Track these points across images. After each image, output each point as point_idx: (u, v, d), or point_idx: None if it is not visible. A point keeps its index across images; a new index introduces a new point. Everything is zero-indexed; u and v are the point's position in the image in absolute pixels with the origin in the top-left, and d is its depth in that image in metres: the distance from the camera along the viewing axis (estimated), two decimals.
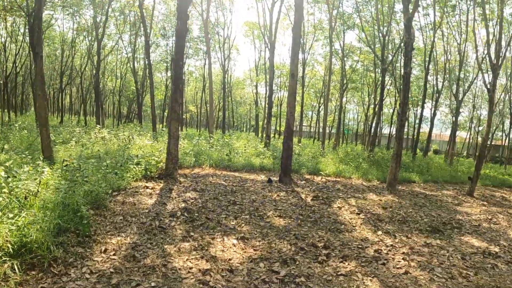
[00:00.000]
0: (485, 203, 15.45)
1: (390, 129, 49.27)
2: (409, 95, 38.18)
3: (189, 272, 5.75)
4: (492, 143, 50.75)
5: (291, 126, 13.12)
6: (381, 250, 7.40)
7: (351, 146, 38.08)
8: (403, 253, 7.41)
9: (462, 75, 32.54)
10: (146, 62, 29.69)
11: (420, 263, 6.98)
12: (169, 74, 44.20)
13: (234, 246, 6.91)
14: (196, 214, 8.49)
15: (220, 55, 38.42)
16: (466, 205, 14.24)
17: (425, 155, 30.74)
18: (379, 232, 8.62)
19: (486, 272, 7.26)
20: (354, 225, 8.98)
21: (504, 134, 51.82)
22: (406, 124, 46.26)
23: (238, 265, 6.12)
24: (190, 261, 6.11)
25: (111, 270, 5.56)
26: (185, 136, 24.55)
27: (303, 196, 11.27)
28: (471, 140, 56.09)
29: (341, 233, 8.26)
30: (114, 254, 6.10)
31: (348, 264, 6.53)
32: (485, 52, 19.20)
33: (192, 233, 7.34)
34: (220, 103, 50.95)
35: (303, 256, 6.66)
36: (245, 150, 18.27)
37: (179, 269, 5.81)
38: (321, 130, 37.56)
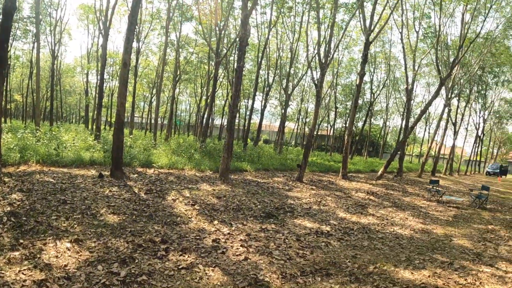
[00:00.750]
0: (313, 187, 16.68)
1: (222, 120, 50.60)
2: (241, 88, 39.55)
3: (23, 286, 5.03)
4: (319, 133, 55.25)
5: (121, 117, 12.55)
6: (219, 239, 7.49)
7: (184, 137, 38.09)
8: (241, 240, 7.61)
9: (292, 71, 34.71)
10: None
11: (258, 248, 7.24)
12: None
13: (69, 250, 6.27)
14: (24, 218, 7.48)
15: (51, 38, 34.84)
16: (296, 190, 15.21)
17: (255, 144, 31.95)
18: (216, 222, 8.73)
19: (321, 250, 7.82)
20: (190, 216, 8.95)
21: (329, 125, 57.05)
22: (238, 115, 47.90)
23: (75, 270, 5.57)
24: (23, 273, 5.35)
25: None
26: (9, 129, 22.07)
27: (136, 190, 10.84)
28: (299, 130, 60.09)
29: (177, 225, 8.16)
30: None
31: (188, 256, 6.46)
32: (315, 51, 20.70)
33: (21, 240, 6.44)
34: (48, 92, 46.87)
35: (141, 253, 6.40)
36: (74, 143, 17.03)
37: (12, 283, 5.05)
38: (153, 121, 36.92)
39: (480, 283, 6.90)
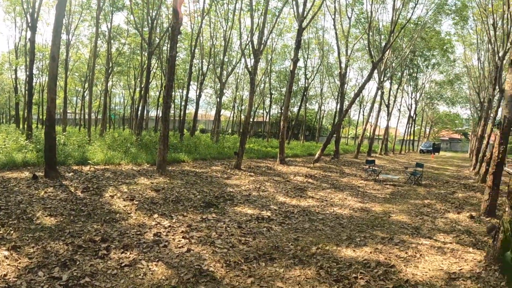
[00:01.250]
0: (252, 174, 16.74)
1: (157, 111, 49.78)
2: (175, 78, 39.04)
3: None
4: (255, 120, 55.53)
5: (52, 114, 11.97)
6: (160, 232, 7.34)
7: (119, 131, 37.17)
8: (182, 232, 7.51)
9: (226, 59, 34.61)
10: None
11: (201, 239, 7.17)
12: None
13: (7, 258, 5.83)
14: None
15: None
16: (235, 178, 15.21)
17: (192, 134, 31.74)
18: (155, 215, 8.56)
19: (263, 235, 7.86)
20: (129, 212, 8.71)
21: (265, 111, 57.40)
22: (173, 105, 47.32)
23: (16, 279, 5.21)
24: None
25: None
26: None
27: (72, 189, 10.36)
28: (235, 118, 60.11)
29: (117, 222, 7.91)
30: None
31: (130, 253, 6.28)
32: (249, 39, 20.67)
33: None
34: None
35: (82, 254, 6.13)
36: (5, 145, 16.12)
37: None
38: (86, 116, 35.72)
39: (421, 255, 7.19)
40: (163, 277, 5.48)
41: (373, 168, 20.28)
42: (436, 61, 46.24)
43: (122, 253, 6.27)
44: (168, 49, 14.60)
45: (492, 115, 25.05)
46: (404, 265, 6.57)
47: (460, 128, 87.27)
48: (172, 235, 7.27)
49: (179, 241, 6.99)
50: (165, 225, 7.90)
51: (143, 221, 8.12)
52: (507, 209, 6.61)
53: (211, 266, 5.94)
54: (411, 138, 66.84)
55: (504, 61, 21.67)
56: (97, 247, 6.42)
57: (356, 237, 8.20)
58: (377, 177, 18.84)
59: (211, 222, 8.45)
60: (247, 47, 26.63)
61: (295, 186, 14.59)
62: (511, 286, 5.66)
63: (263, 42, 19.38)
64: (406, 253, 7.26)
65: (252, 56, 21.02)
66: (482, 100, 34.57)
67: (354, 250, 7.25)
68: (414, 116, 56.78)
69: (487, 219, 10.66)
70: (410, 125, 58.25)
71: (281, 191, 13.35)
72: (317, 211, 10.78)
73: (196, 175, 14.79)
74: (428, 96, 59.00)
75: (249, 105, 19.24)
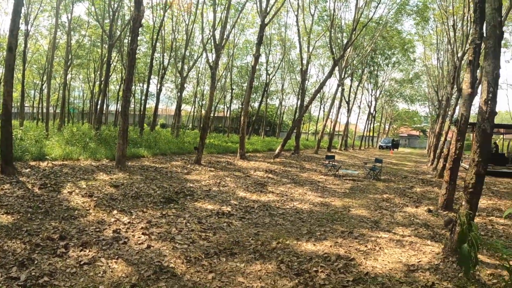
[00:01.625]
0: (212, 169, 16.71)
1: (117, 106, 48.83)
2: (136, 72, 38.47)
3: None
4: (215, 115, 55.31)
5: (9, 108, 11.53)
6: (120, 229, 7.24)
7: (78, 125, 36.28)
8: (142, 228, 7.42)
9: (188, 54, 34.28)
10: None
11: (161, 235, 7.12)
12: None
13: None
14: None
15: None
16: (195, 173, 15.15)
17: (152, 129, 31.28)
18: (115, 212, 8.42)
19: (223, 230, 7.88)
20: (88, 208, 8.52)
21: (225, 106, 57.25)
22: (133, 100, 46.61)
23: None
24: None
25: None
26: None
27: (29, 186, 10.03)
28: (195, 113, 59.66)
29: (76, 219, 7.73)
30: None
31: (90, 250, 6.15)
32: (211, 33, 20.54)
33: None
34: None
35: (40, 253, 5.95)
36: None
37: None
38: (45, 110, 34.75)
39: (380, 248, 7.37)
40: (123, 275, 5.41)
41: (333, 163, 20.57)
42: (397, 59, 47.20)
43: (81, 250, 6.13)
44: (129, 41, 14.29)
45: (450, 113, 25.82)
46: (364, 258, 6.71)
47: (418, 125, 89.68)
48: (132, 232, 7.17)
49: (139, 237, 6.90)
50: (124, 221, 7.78)
51: (102, 217, 7.97)
52: (463, 203, 6.85)
53: (171, 262, 5.91)
54: (371, 134, 68.11)
55: (463, 62, 22.32)
56: (56, 245, 6.24)
57: (316, 231, 8.30)
58: (336, 172, 19.13)
59: (171, 217, 8.40)
60: (209, 41, 26.48)
61: (255, 181, 14.65)
62: (468, 276, 5.87)
63: (225, 37, 19.33)
64: (366, 246, 7.40)
65: (213, 51, 20.93)
66: (440, 98, 35.60)
67: (314, 244, 7.35)
68: (374, 113, 57.88)
69: (444, 212, 11.01)
70: (369, 122, 59.35)
71: (242, 186, 13.39)
72: (277, 206, 10.87)
73: (156, 170, 14.64)
74: (388, 94, 60.26)
75: (210, 100, 19.16)
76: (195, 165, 17.25)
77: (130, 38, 13.94)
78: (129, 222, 7.73)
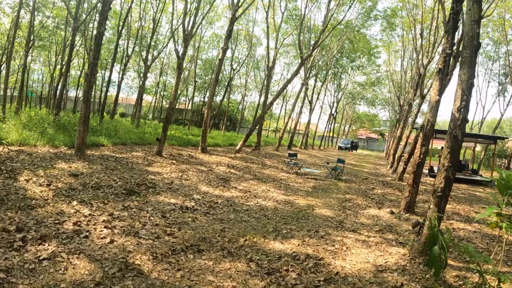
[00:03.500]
0: (174, 161, 16.38)
1: (77, 92, 47.59)
2: (99, 57, 37.43)
3: None
4: (176, 107, 54.59)
5: None
6: (81, 222, 6.84)
7: (36, 110, 34.94)
8: (104, 221, 7.05)
9: (153, 43, 33.62)
10: None
11: (124, 229, 6.79)
12: None
13: None
14: None
15: None
16: (156, 165, 14.80)
17: (112, 118, 30.72)
18: (74, 203, 7.96)
19: (188, 225, 7.64)
20: (46, 198, 8.03)
21: (187, 99, 56.64)
22: (94, 87, 45.41)
23: None
24: None
25: None
26: None
27: None
28: (156, 104, 58.89)
29: (33, 209, 7.25)
30: None
31: (49, 244, 5.70)
32: (180, 22, 20.17)
33: None
34: None
35: None
36: None
37: None
38: (2, 92, 33.29)
39: (347, 248, 7.37)
40: (86, 272, 5.05)
41: (295, 161, 20.57)
42: (361, 63, 47.84)
43: (39, 244, 5.67)
44: (95, 26, 13.69)
45: (411, 118, 26.39)
46: (333, 258, 6.68)
47: (377, 128, 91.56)
48: (93, 225, 6.78)
49: (101, 231, 6.53)
50: (85, 213, 7.37)
51: (62, 208, 7.51)
52: (432, 206, 6.98)
53: (137, 259, 5.61)
54: (331, 134, 68.83)
55: (427, 69, 22.85)
56: (12, 238, 5.73)
57: (283, 229, 8.23)
58: (298, 171, 19.13)
59: (133, 211, 8.06)
60: (176, 30, 26.03)
61: (218, 176, 14.43)
62: (437, 277, 5.96)
63: (195, 26, 18.95)
64: (333, 246, 7.39)
65: (181, 41, 20.55)
66: (402, 103, 36.44)
67: (282, 242, 7.25)
68: (335, 114, 58.46)
69: (406, 214, 11.18)
70: (330, 122, 59.96)
71: (204, 181, 13.15)
72: (241, 202, 10.72)
73: (117, 160, 14.19)
74: (351, 96, 61.07)
75: (175, 90, 18.67)
76: (156, 156, 16.84)
77: (98, 20, 13.39)
78: (90, 215, 7.32)
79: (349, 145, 66.50)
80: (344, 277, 5.86)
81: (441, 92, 11.57)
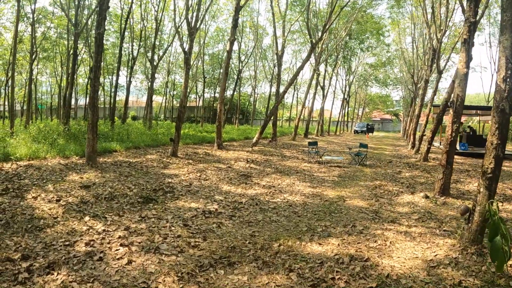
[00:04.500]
0: (190, 161, 15.68)
1: (86, 99, 47.21)
2: (105, 63, 37.06)
3: None
4: (187, 104, 54.19)
5: None
6: (94, 240, 6.03)
7: (46, 121, 34.56)
8: (120, 237, 6.27)
9: (157, 43, 33.20)
10: None
11: (142, 245, 6.00)
12: None
13: None
14: None
15: None
16: (172, 167, 14.11)
17: (123, 122, 30.30)
18: (87, 218, 7.19)
19: (214, 233, 6.87)
20: (56, 216, 7.26)
21: (197, 96, 56.13)
22: (103, 93, 45.15)
23: None
24: None
25: None
26: None
27: None
28: (166, 104, 58.55)
29: (42, 231, 6.48)
30: None
31: (58, 273, 4.88)
32: (183, 18, 19.52)
33: None
34: None
35: None
36: None
37: None
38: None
39: (391, 242, 6.65)
40: None
41: (316, 150, 19.78)
42: (370, 44, 46.84)
43: (48, 274, 4.86)
44: (96, 26, 12.87)
45: (429, 95, 25.60)
46: (379, 257, 5.94)
47: (391, 109, 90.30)
48: (108, 243, 5.96)
49: (117, 250, 5.73)
50: (98, 229, 6.61)
51: (73, 226, 6.76)
52: (482, 189, 6.25)
53: (160, 282, 4.79)
54: (345, 119, 67.83)
55: (443, 43, 22.08)
56: (17, 268, 4.91)
57: (317, 227, 7.50)
58: (320, 159, 18.38)
59: (152, 221, 7.29)
60: (180, 26, 25.37)
61: (238, 173, 13.71)
62: (501, 271, 5.23)
63: (199, 18, 18.12)
64: (375, 242, 6.67)
65: (187, 35, 19.80)
66: (416, 81, 35.64)
67: (320, 244, 6.51)
68: (348, 98, 57.48)
69: (442, 198, 10.44)
70: (343, 107, 58.99)
71: (224, 179, 12.42)
72: (267, 199, 9.97)
73: (130, 165, 13.52)
74: (362, 78, 60.06)
75: (184, 87, 17.79)
76: (171, 157, 16.16)
77: (96, 22, 12.63)
78: (104, 231, 6.56)
79: (365, 128, 65.63)
80: (396, 279, 5.12)
81: (468, 64, 10.83)
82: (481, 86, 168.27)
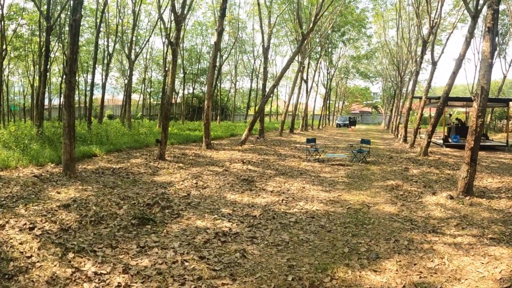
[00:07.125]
0: (181, 164, 14.13)
1: (60, 99, 45.16)
2: (79, 60, 35.06)
3: None
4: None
5: None
6: None
7: (19, 123, 32.27)
8: (119, 285, 4.57)
9: (135, 38, 31.89)
10: None
11: None
12: None
13: None
14: None
15: None
16: (162, 172, 12.55)
17: (100, 121, 28.56)
18: (70, 255, 5.36)
19: (241, 267, 5.38)
20: (29, 253, 5.35)
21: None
22: (77, 92, 43.11)
23: None
24: None
25: None
26: None
27: None
28: (144, 101, 56.88)
29: (11, 280, 4.64)
30: None
31: None
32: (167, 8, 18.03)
33: None
34: None
35: None
36: None
37: None
38: None
39: (448, 259, 5.76)
40: None
41: (315, 147, 18.38)
42: (350, 36, 45.83)
43: None
44: (71, 12, 10.82)
45: (419, 87, 25.17)
46: (446, 281, 5.02)
47: (370, 102, 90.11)
48: None
49: None
50: (87, 272, 4.84)
51: (53, 269, 4.91)
52: None
53: None
54: (326, 113, 66.77)
55: (431, 36, 22.29)
56: None
57: (358, 246, 6.26)
58: (319, 157, 17.07)
59: (155, 253, 5.60)
60: (159, 20, 23.69)
61: (237, 177, 12.24)
62: None
63: (186, 5, 16.30)
64: (432, 261, 5.72)
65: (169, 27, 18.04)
66: (402, 74, 35.22)
67: (375, 271, 5.27)
68: (329, 91, 56.45)
69: (467, 198, 9.76)
70: (326, 99, 57.95)
71: (225, 186, 10.93)
72: (282, 210, 8.53)
73: (114, 173, 11.81)
74: (345, 71, 59.24)
75: (172, 81, 15.65)
76: (159, 161, 14.46)
77: (72, 7, 10.76)
78: (95, 275, 4.79)
79: (347, 122, 64.91)
80: None
81: (492, 54, 9.91)
82: (465, 78, 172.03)
